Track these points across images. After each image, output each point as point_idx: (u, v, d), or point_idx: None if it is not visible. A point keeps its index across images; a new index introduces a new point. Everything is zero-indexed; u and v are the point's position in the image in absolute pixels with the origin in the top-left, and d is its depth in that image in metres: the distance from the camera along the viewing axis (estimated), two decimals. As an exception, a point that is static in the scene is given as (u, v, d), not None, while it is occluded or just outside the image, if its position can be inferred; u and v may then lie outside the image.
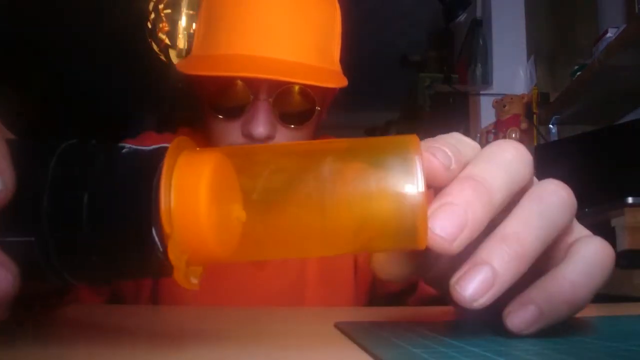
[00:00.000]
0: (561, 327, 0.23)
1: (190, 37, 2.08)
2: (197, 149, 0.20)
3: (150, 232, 0.17)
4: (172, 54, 2.12)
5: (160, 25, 2.10)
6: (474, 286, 0.19)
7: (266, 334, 0.29)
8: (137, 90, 3.91)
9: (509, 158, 0.22)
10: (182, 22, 2.09)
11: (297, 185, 0.18)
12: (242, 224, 0.18)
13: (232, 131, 0.56)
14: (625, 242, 1.07)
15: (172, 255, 0.17)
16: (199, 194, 0.17)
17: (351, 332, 0.26)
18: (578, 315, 0.34)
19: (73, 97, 3.87)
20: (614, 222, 1.11)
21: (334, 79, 0.58)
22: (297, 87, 0.55)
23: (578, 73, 1.60)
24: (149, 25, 2.12)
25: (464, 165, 0.21)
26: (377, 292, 0.67)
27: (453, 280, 0.20)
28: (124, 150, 0.19)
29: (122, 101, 4.20)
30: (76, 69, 3.65)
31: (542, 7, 2.01)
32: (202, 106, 0.59)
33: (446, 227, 0.19)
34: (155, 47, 2.13)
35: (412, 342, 0.22)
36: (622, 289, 0.85)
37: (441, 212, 0.19)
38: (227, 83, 0.54)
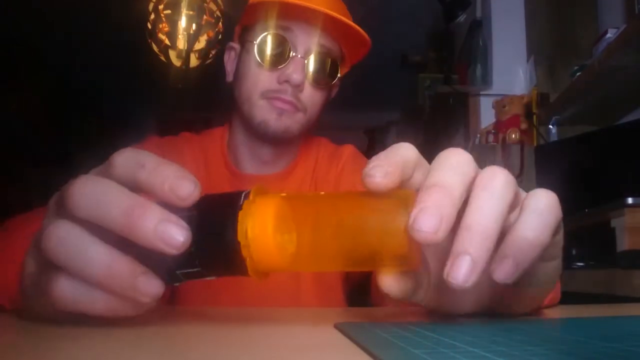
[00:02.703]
0: (562, 327, 0.23)
1: (190, 37, 2.08)
2: (260, 193, 0.28)
3: (244, 263, 0.27)
4: (172, 54, 2.12)
5: (160, 25, 2.10)
6: (462, 273, 0.24)
7: (266, 334, 0.29)
8: (136, 90, 3.91)
9: (454, 163, 0.28)
10: (182, 22, 2.09)
11: (330, 222, 0.27)
12: (294, 246, 0.26)
13: (269, 78, 0.71)
14: (625, 242, 1.07)
15: (252, 272, 0.27)
16: (267, 236, 0.26)
17: (351, 332, 0.26)
18: (579, 315, 0.34)
19: (73, 97, 3.87)
20: (614, 222, 1.11)
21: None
22: (327, 56, 0.72)
23: (578, 73, 1.60)
24: (149, 26, 2.12)
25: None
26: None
27: (445, 274, 0.25)
28: (207, 201, 0.28)
29: (122, 101, 4.20)
30: (76, 69, 3.65)
31: (542, 8, 2.01)
32: (245, 64, 0.73)
33: (427, 223, 0.24)
34: (155, 47, 2.13)
35: (412, 342, 0.22)
36: (622, 289, 0.85)
37: (421, 215, 0.24)
38: (278, 39, 0.70)
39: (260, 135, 0.73)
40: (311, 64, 0.71)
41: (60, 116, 3.73)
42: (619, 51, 1.32)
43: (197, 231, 0.26)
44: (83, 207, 0.26)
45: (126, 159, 0.28)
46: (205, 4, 2.12)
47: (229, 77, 0.78)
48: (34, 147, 3.46)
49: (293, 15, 0.70)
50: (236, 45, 0.78)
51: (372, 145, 4.22)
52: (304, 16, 0.69)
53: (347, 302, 0.77)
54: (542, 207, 0.27)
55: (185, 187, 0.26)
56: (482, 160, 1.92)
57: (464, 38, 2.34)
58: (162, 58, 2.14)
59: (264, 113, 0.71)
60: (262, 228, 0.26)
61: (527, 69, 2.05)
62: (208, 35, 2.13)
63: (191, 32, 2.09)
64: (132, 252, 0.27)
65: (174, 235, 0.25)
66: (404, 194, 0.26)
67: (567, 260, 1.19)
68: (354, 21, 0.71)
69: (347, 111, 2.86)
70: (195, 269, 0.27)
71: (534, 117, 1.88)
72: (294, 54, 0.70)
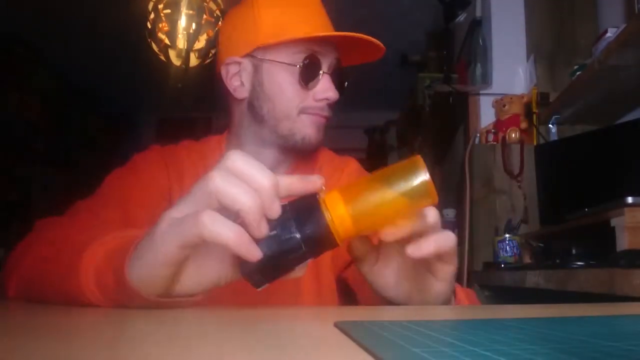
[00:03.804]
0: (562, 326, 0.23)
1: (189, 37, 2.08)
2: (325, 190, 0.43)
3: (333, 238, 0.41)
4: (172, 54, 2.12)
5: (160, 25, 2.10)
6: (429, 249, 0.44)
7: (266, 334, 0.29)
8: (136, 90, 3.91)
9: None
10: (182, 22, 2.09)
11: (375, 192, 0.42)
12: (355, 217, 0.41)
13: (305, 95, 0.74)
14: (625, 242, 1.06)
15: (339, 241, 0.42)
16: (342, 209, 0.41)
17: (351, 331, 0.26)
18: (580, 314, 0.34)
19: (73, 97, 3.86)
20: (614, 222, 1.11)
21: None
22: (340, 67, 0.76)
23: (578, 73, 1.60)
24: (149, 26, 2.12)
25: None
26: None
27: (408, 250, 0.44)
28: (292, 205, 0.42)
29: (122, 101, 4.20)
30: (76, 69, 3.65)
31: (542, 7, 2.01)
32: (275, 83, 0.74)
33: (426, 244, 0.46)
34: (154, 47, 2.13)
35: (412, 341, 0.22)
36: (622, 289, 0.84)
37: (427, 237, 0.45)
38: (313, 59, 0.73)
39: (297, 149, 0.75)
40: (334, 77, 0.75)
41: (60, 116, 3.73)
42: (618, 51, 1.32)
43: (296, 223, 0.40)
44: (229, 198, 0.39)
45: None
46: (205, 3, 2.12)
47: (241, 94, 0.76)
48: (34, 147, 3.46)
49: (322, 36, 0.72)
50: (241, 60, 0.75)
51: (372, 145, 4.22)
52: (331, 37, 0.72)
53: (341, 300, 0.83)
54: (444, 241, 0.46)
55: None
56: (482, 159, 1.92)
57: (464, 37, 2.33)
58: (162, 58, 2.14)
59: (305, 128, 0.74)
60: (337, 206, 0.41)
61: (527, 69, 2.05)
62: (208, 35, 2.13)
63: (191, 31, 2.09)
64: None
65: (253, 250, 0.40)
66: (414, 159, 0.41)
67: (567, 260, 1.19)
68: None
69: (347, 111, 2.86)
70: (291, 237, 0.40)
71: (534, 116, 1.88)
72: (322, 71, 0.74)
